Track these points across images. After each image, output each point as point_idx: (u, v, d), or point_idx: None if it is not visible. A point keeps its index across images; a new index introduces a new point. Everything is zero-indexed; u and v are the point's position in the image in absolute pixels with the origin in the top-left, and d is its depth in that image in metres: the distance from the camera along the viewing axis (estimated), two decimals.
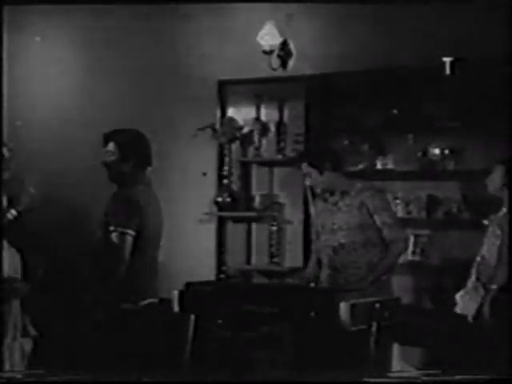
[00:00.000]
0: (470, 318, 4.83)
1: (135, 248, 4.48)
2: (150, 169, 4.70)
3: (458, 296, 5.02)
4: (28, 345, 4.62)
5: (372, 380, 4.08)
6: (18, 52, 6.39)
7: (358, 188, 5.11)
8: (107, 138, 4.65)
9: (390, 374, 4.29)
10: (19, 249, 4.57)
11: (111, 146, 4.58)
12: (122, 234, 4.43)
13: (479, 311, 4.74)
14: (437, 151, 5.74)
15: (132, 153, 4.60)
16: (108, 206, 4.57)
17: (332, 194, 5.17)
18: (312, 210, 5.52)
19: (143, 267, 4.60)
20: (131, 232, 4.41)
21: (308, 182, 5.22)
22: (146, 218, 4.54)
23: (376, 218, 5.01)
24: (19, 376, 4.12)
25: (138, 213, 4.51)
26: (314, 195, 5.57)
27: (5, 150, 4.64)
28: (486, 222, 5.09)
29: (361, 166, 5.71)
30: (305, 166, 5.15)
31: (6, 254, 4.53)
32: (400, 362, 5.05)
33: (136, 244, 4.48)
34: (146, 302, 4.60)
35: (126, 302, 4.53)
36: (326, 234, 5.17)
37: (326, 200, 5.20)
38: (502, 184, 5.00)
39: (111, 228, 4.41)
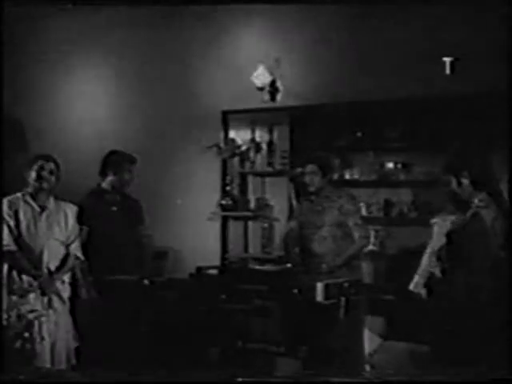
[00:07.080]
0: (423, 295, 4.83)
1: None
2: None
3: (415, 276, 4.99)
4: None
5: (376, 380, 4.26)
6: None
7: (337, 194, 5.52)
8: None
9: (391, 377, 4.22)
10: None
11: None
12: None
13: (429, 289, 4.73)
14: (391, 165, 6.24)
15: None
16: None
17: (318, 196, 5.52)
18: (297, 208, 5.83)
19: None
20: None
21: (308, 180, 5.48)
22: None
23: (349, 219, 5.45)
24: (20, 376, 4.06)
25: None
26: (298, 196, 5.97)
27: (52, 165, 5.03)
28: (434, 220, 4.97)
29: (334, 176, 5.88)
30: (311, 167, 5.47)
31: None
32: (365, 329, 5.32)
33: None
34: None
35: None
36: (310, 228, 5.53)
37: (312, 201, 5.55)
38: (471, 191, 4.69)
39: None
